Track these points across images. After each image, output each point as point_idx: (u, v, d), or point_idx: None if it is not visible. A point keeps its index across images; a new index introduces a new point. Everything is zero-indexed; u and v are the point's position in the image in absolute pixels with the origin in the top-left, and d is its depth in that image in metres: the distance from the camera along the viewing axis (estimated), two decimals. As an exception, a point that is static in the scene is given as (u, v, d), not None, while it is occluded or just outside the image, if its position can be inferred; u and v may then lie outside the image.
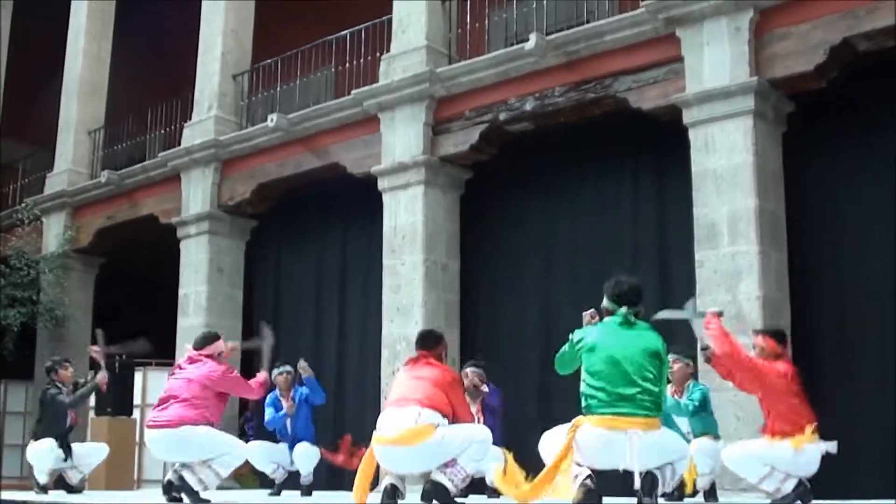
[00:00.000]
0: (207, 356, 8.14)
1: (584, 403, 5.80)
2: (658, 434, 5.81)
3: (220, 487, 8.33)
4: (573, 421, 5.78)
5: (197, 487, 7.84)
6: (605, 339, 5.85)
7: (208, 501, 7.84)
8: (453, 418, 6.68)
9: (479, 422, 8.38)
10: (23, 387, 18.16)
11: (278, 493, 10.42)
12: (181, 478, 7.85)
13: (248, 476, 12.82)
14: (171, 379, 8.14)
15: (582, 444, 5.72)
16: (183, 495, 7.84)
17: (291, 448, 10.35)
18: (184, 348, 14.17)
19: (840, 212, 9.72)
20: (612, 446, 5.68)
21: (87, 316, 17.01)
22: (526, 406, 11.10)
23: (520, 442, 10.45)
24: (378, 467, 6.79)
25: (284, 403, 10.28)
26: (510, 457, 6.18)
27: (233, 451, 8.08)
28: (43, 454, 10.29)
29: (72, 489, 10.37)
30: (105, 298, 17.42)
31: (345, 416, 12.67)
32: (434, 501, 6.46)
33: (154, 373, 15.32)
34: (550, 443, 5.93)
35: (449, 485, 6.48)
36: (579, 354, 5.92)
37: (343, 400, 12.87)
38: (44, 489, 10.29)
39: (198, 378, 7.97)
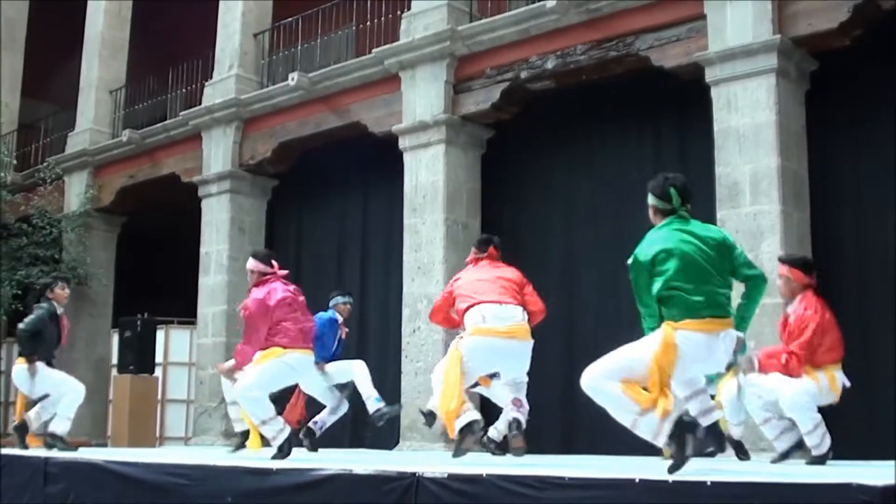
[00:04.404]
0: None
1: (670, 310, 5.02)
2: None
3: None
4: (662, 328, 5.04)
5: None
6: (681, 242, 5.11)
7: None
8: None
9: None
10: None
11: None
12: None
13: None
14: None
15: (685, 350, 4.98)
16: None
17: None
18: (205, 307, 14.43)
19: (863, 170, 9.65)
20: (714, 353, 5.09)
21: (110, 274, 17.16)
22: (548, 363, 11.11)
23: (543, 397, 10.55)
24: None
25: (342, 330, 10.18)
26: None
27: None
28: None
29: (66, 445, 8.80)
30: (127, 257, 17.52)
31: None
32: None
33: (176, 331, 15.47)
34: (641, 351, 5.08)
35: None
36: (658, 269, 5.10)
37: (365, 357, 12.88)
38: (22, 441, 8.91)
39: None
